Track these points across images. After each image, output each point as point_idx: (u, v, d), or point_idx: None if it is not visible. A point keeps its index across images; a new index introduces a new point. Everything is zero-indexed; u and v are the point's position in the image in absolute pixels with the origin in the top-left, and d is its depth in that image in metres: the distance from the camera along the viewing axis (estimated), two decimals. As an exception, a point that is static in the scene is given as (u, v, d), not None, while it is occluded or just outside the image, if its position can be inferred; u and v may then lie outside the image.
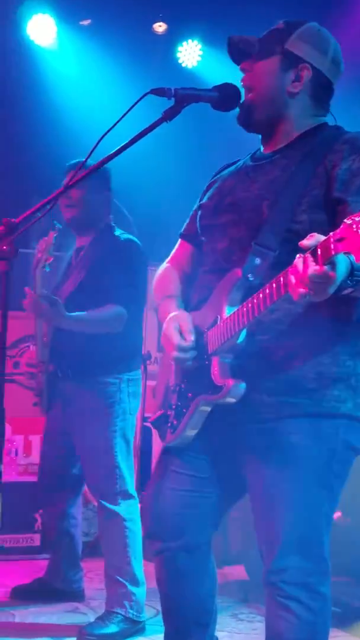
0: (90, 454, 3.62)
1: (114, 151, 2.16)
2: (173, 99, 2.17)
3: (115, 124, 2.15)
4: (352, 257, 1.68)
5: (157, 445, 5.42)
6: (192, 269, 2.43)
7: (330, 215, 2.04)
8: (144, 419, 5.00)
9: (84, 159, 3.53)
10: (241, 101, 2.24)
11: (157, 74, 6.33)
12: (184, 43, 6.32)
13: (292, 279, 1.75)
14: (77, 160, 3.62)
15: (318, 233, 1.94)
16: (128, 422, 3.62)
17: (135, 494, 3.62)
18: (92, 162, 2.17)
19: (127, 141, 2.15)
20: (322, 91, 2.25)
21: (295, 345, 2.06)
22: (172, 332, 2.19)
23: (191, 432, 2.18)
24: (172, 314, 2.25)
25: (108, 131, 2.17)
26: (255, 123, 2.26)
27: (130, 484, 3.61)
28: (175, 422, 2.22)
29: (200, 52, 6.33)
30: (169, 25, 6.17)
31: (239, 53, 2.27)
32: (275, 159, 2.21)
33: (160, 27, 6.16)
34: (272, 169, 2.18)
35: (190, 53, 6.34)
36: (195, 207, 2.45)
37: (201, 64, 6.37)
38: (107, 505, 3.56)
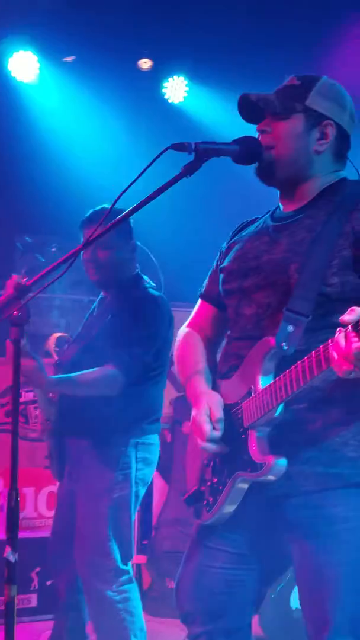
0: (86, 523, 3.32)
1: (133, 207, 2.10)
2: (193, 153, 2.05)
3: (134, 180, 2.07)
4: None
5: (157, 491, 5.27)
6: (215, 333, 2.34)
7: None
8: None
9: (102, 215, 3.40)
10: (262, 155, 2.14)
11: (143, 110, 6.28)
12: (170, 79, 6.26)
13: (335, 355, 1.69)
14: (92, 211, 3.41)
15: (351, 295, 1.92)
16: (130, 491, 3.31)
17: (129, 569, 3.32)
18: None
19: (147, 196, 2.08)
20: (343, 146, 2.19)
21: (334, 411, 1.98)
22: (202, 420, 2.09)
23: (229, 510, 2.08)
24: (202, 398, 2.14)
25: (127, 188, 2.10)
26: (278, 180, 2.18)
27: (125, 560, 3.31)
28: (211, 500, 2.11)
29: (187, 88, 6.27)
30: (155, 62, 6.10)
31: (255, 112, 2.17)
32: (299, 218, 2.12)
33: (145, 63, 6.09)
34: (296, 229, 2.10)
35: (176, 89, 6.28)
36: (213, 266, 2.36)
37: (187, 100, 6.32)
38: (98, 586, 3.25)
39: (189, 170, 2.07)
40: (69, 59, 6.01)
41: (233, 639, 2.12)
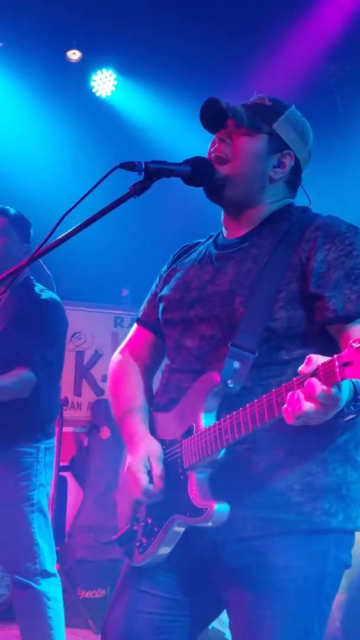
0: (6, 529, 3.31)
1: (79, 225, 1.96)
2: (143, 174, 1.94)
3: (79, 201, 1.95)
4: (357, 382, 1.57)
5: (71, 496, 5.16)
6: (153, 361, 2.24)
7: (308, 311, 1.90)
8: (60, 468, 4.74)
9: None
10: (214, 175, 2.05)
11: (71, 102, 6.10)
12: (99, 72, 6.11)
13: (297, 396, 1.60)
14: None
15: (297, 330, 1.88)
16: (44, 493, 3.35)
17: (55, 571, 3.34)
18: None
19: (92, 215, 1.95)
20: (295, 178, 2.13)
21: (279, 453, 1.87)
22: (139, 472, 1.98)
23: (163, 553, 1.97)
24: (141, 445, 2.02)
25: (70, 210, 1.95)
26: (227, 200, 2.07)
27: (51, 562, 3.32)
28: (144, 541, 1.99)
29: (115, 82, 6.13)
30: (84, 53, 5.92)
31: (216, 119, 2.07)
32: (244, 247, 2.04)
33: (74, 54, 5.91)
34: (242, 259, 2.01)
35: (104, 82, 6.13)
36: (152, 291, 2.26)
37: (115, 94, 6.18)
38: (27, 582, 3.26)
39: (137, 190, 1.95)
40: (-5, 44, 5.77)
41: None
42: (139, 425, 2.08)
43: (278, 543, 1.86)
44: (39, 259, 3.39)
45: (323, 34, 5.30)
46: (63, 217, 1.94)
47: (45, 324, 3.33)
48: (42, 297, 3.39)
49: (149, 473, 1.96)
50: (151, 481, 1.95)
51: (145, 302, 2.29)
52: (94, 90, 6.15)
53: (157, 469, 1.96)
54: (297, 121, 2.11)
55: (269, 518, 1.86)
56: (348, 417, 1.66)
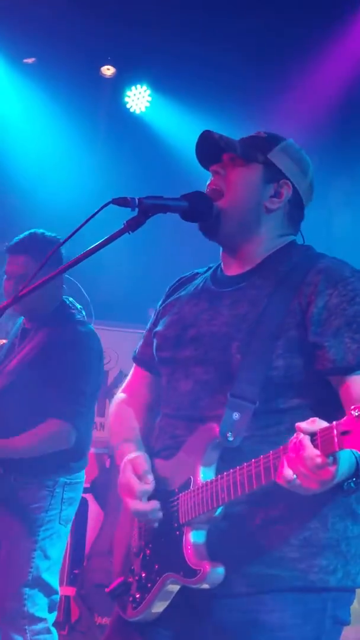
0: (3, 564, 3.14)
1: (74, 259, 1.94)
2: (137, 209, 1.89)
3: (72, 234, 1.96)
4: (358, 454, 1.52)
5: (92, 518, 5.09)
6: (151, 399, 2.16)
7: (307, 359, 1.82)
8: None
9: (27, 242, 3.27)
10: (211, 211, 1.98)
11: (104, 118, 6.08)
12: (133, 87, 6.07)
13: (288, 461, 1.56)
14: (18, 239, 3.27)
15: (296, 379, 1.82)
16: (54, 532, 3.16)
17: (47, 617, 3.13)
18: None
19: (87, 250, 1.91)
20: (296, 212, 2.05)
21: (277, 508, 1.80)
22: (129, 478, 1.93)
23: (157, 610, 1.90)
24: (127, 458, 1.99)
25: (65, 241, 2.00)
26: (223, 235, 2.00)
27: (42, 609, 3.14)
28: (137, 596, 1.92)
29: (149, 98, 6.08)
30: (118, 69, 5.89)
31: (213, 152, 2.02)
32: (242, 287, 1.96)
33: (108, 70, 5.88)
34: (239, 300, 1.94)
35: (138, 98, 6.08)
36: (148, 327, 2.20)
37: (150, 110, 6.13)
38: (10, 633, 3.06)
39: (131, 226, 1.90)
40: (30, 60, 5.78)
41: None
42: (129, 449, 2.04)
43: (273, 600, 1.80)
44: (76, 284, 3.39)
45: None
46: (53, 251, 2.01)
47: (80, 364, 3.17)
48: (75, 335, 3.21)
49: (140, 478, 1.92)
50: (143, 482, 1.91)
51: (142, 338, 2.23)
52: (128, 106, 6.11)
53: (142, 466, 1.93)
54: (295, 152, 2.04)
55: (264, 574, 1.80)
56: (346, 492, 1.62)
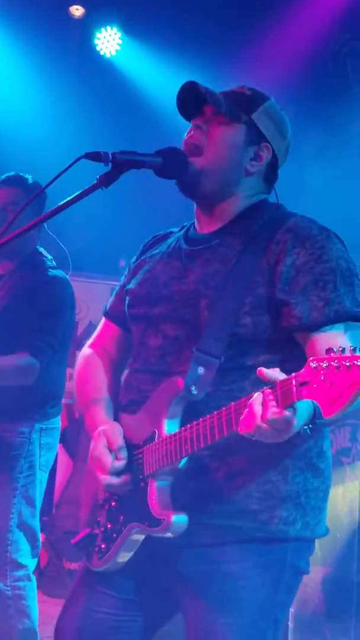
0: None
1: (49, 212, 1.90)
2: (110, 164, 1.86)
3: (44, 188, 1.96)
4: (316, 403, 1.54)
5: (61, 467, 5.11)
6: (120, 356, 2.17)
7: (274, 317, 1.86)
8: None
9: (16, 180, 3.28)
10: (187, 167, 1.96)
11: (73, 60, 5.94)
12: (102, 29, 5.91)
13: (247, 417, 1.60)
14: (6, 176, 3.27)
15: (262, 337, 1.86)
16: (33, 478, 3.22)
17: (29, 564, 3.18)
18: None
19: (58, 205, 1.87)
20: (272, 174, 2.06)
21: (239, 460, 1.84)
22: (101, 451, 1.93)
23: (123, 559, 1.95)
24: (100, 428, 1.98)
25: (34, 196, 2.03)
26: (201, 193, 1.99)
27: (25, 555, 3.18)
28: (103, 547, 1.97)
29: (120, 41, 5.93)
30: (87, 9, 5.72)
31: (194, 104, 1.99)
32: (213, 245, 1.97)
33: (77, 10, 5.72)
34: (209, 258, 1.95)
35: (109, 41, 5.93)
36: (121, 283, 2.20)
37: (120, 53, 5.99)
38: None
39: (104, 181, 1.87)
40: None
41: None
42: (100, 414, 2.04)
43: (234, 551, 1.85)
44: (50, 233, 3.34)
45: (335, 2, 5.10)
46: (19, 211, 1.95)
47: (51, 307, 3.18)
48: (48, 277, 3.23)
49: (112, 453, 1.93)
50: (116, 458, 1.91)
51: (113, 293, 2.23)
52: (98, 49, 5.96)
53: (117, 441, 1.93)
54: (277, 114, 2.02)
55: (226, 526, 1.85)
56: (301, 438, 1.67)
